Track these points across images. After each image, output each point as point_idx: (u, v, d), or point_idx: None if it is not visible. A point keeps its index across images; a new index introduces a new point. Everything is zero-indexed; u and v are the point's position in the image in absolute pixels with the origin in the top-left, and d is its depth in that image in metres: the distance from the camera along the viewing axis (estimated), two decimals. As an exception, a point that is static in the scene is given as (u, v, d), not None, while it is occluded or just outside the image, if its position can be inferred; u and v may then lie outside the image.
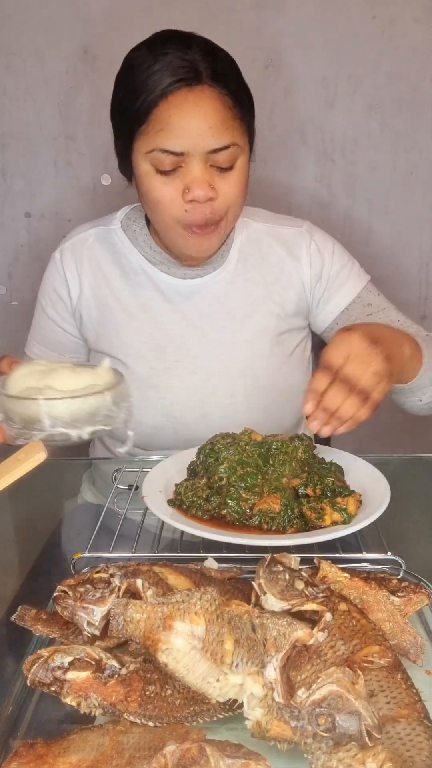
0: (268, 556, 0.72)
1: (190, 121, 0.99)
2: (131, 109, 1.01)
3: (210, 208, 1.03)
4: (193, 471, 0.96)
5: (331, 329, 1.26)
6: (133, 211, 1.25)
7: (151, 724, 0.60)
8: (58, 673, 0.60)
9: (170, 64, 0.98)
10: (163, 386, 1.19)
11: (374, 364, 0.88)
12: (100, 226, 1.25)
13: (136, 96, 1.00)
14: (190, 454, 0.98)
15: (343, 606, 0.67)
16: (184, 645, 0.61)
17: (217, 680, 0.60)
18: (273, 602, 0.67)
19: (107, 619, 0.66)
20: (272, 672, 0.59)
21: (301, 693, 0.57)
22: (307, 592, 0.68)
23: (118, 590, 0.69)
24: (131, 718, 0.60)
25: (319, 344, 1.52)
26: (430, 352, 1.09)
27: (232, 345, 1.20)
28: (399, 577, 0.78)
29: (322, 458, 0.96)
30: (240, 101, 1.03)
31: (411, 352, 1.03)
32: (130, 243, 1.22)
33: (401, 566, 0.80)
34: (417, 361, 1.06)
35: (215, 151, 1.00)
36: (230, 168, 1.03)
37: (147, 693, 0.61)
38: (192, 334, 1.19)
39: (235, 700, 0.61)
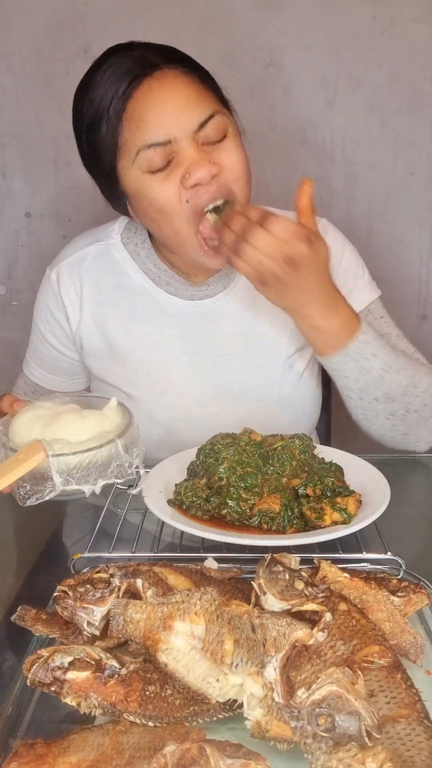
0: (268, 556, 0.71)
1: (164, 104, 0.92)
2: (101, 132, 0.96)
3: (216, 186, 0.93)
4: (193, 471, 0.96)
5: None
6: (132, 223, 1.14)
7: (151, 724, 0.60)
8: (58, 673, 0.60)
9: (119, 67, 0.94)
10: (168, 421, 1.12)
11: (266, 262, 0.86)
12: (99, 242, 1.14)
13: (100, 116, 0.95)
14: (190, 454, 0.98)
15: (343, 606, 0.67)
16: (184, 645, 0.61)
17: (217, 680, 0.60)
18: (273, 602, 0.67)
19: (107, 619, 0.66)
20: (272, 672, 0.59)
21: (301, 693, 0.57)
22: (307, 592, 0.68)
23: (118, 590, 0.69)
24: (131, 718, 0.60)
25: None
26: (379, 357, 0.99)
27: (243, 371, 1.13)
28: (399, 577, 0.78)
29: (322, 458, 0.96)
30: (204, 75, 0.98)
31: (339, 327, 0.96)
32: (131, 260, 1.12)
33: (401, 566, 0.80)
34: (343, 337, 0.96)
35: (202, 125, 0.93)
36: (223, 139, 0.95)
37: (147, 693, 0.61)
38: (200, 362, 1.12)
39: (235, 700, 0.61)
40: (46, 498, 0.72)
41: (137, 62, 0.94)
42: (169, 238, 1.00)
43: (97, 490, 0.74)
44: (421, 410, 1.04)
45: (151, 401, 1.12)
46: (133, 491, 0.81)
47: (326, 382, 1.51)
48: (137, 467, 0.76)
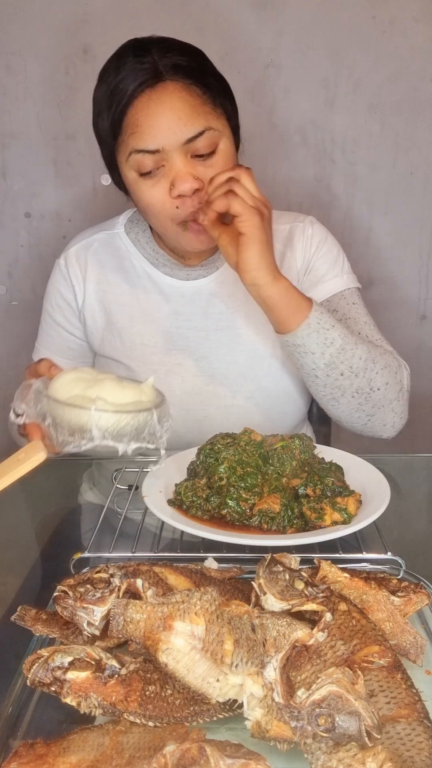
0: (268, 556, 0.72)
1: (158, 117, 1.00)
2: (105, 125, 1.06)
3: (198, 199, 1.02)
4: (193, 471, 0.96)
5: None
6: (135, 214, 1.26)
7: (151, 724, 0.60)
8: (58, 673, 0.60)
9: (131, 72, 1.01)
10: (164, 389, 1.17)
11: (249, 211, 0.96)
12: (104, 231, 1.26)
13: (107, 110, 1.04)
14: (190, 454, 0.98)
15: (343, 606, 0.67)
16: (184, 645, 0.61)
17: (217, 680, 0.60)
18: (273, 602, 0.67)
19: (107, 619, 0.66)
20: (272, 672, 0.59)
21: (301, 693, 0.57)
22: (307, 592, 0.68)
23: (118, 590, 0.69)
24: (131, 718, 0.60)
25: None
26: (337, 327, 1.03)
27: (235, 346, 1.20)
28: (399, 577, 0.78)
29: (322, 458, 0.96)
30: (209, 86, 1.03)
31: (298, 298, 1.02)
32: (133, 246, 1.23)
33: (401, 566, 0.80)
34: (302, 307, 1.01)
35: (191, 140, 1.00)
36: (212, 153, 1.03)
37: (147, 693, 0.61)
38: (195, 336, 1.20)
39: (235, 700, 0.61)
40: (83, 449, 0.75)
41: (145, 72, 1.00)
42: (156, 228, 1.13)
43: (129, 451, 0.77)
44: (384, 389, 1.08)
45: (148, 372, 1.17)
46: (154, 468, 0.86)
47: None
48: (166, 441, 0.80)
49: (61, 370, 0.87)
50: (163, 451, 0.80)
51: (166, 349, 1.20)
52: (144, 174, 1.03)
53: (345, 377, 1.05)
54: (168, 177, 1.02)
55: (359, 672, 0.58)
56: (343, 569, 0.72)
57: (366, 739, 0.54)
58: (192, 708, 0.61)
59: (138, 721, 0.59)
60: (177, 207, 1.03)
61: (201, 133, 1.01)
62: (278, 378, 1.21)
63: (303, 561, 0.76)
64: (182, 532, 0.85)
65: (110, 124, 1.04)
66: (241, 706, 0.60)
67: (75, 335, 1.27)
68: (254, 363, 1.20)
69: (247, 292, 1.03)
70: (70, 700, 0.60)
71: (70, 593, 0.68)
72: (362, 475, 0.94)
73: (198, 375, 1.19)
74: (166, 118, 0.99)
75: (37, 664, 0.61)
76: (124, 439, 0.76)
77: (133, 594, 0.69)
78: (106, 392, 0.79)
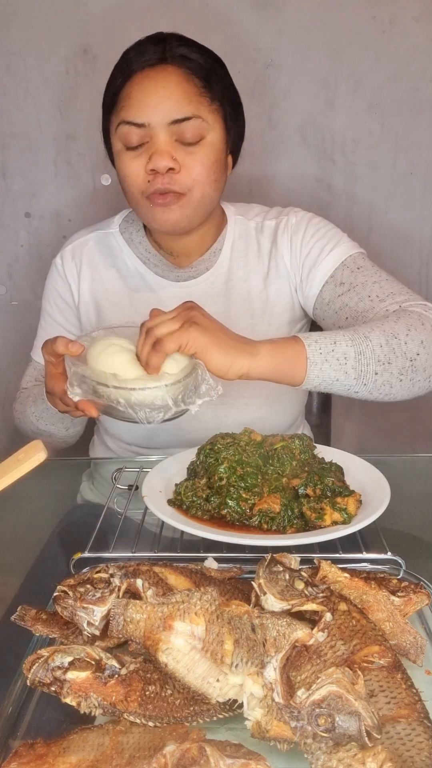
0: (268, 556, 0.72)
1: (151, 93, 1.04)
2: (107, 96, 1.10)
3: (170, 179, 1.05)
4: (193, 471, 0.96)
5: (317, 316, 1.20)
6: (131, 215, 1.27)
7: (151, 724, 0.60)
8: (58, 673, 0.60)
9: (140, 52, 1.07)
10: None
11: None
12: (99, 231, 1.27)
13: (112, 82, 1.10)
14: (190, 454, 0.98)
15: (343, 606, 0.67)
16: (184, 645, 0.61)
17: (217, 680, 0.60)
18: (273, 602, 0.67)
19: (107, 619, 0.66)
20: (272, 672, 0.59)
21: (301, 693, 0.57)
22: (307, 592, 0.68)
23: (118, 590, 0.69)
24: (131, 718, 0.60)
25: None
26: (339, 341, 0.96)
27: None
28: (399, 577, 0.78)
29: (322, 458, 0.96)
30: (210, 83, 1.06)
31: (286, 346, 0.95)
32: (126, 246, 1.24)
33: (401, 566, 0.80)
34: (292, 361, 0.95)
35: (177, 122, 1.03)
36: (197, 143, 1.06)
37: (147, 693, 0.61)
38: None
39: (235, 700, 0.61)
40: (165, 419, 0.87)
41: (152, 53, 1.06)
42: (129, 201, 1.14)
43: (196, 408, 0.88)
44: (422, 348, 1.00)
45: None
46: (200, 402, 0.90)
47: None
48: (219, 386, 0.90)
49: (79, 345, 0.92)
50: (220, 389, 0.90)
51: None
52: (129, 148, 1.07)
53: (381, 372, 0.98)
54: (148, 152, 1.05)
55: (359, 672, 0.58)
56: (343, 569, 0.72)
57: (366, 739, 0.54)
58: (192, 708, 0.61)
59: (138, 721, 0.59)
60: (149, 181, 1.06)
61: (188, 119, 1.04)
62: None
63: (303, 561, 0.76)
64: (182, 532, 0.85)
65: (110, 96, 1.09)
66: (241, 706, 0.60)
67: (73, 333, 1.28)
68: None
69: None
70: (70, 700, 0.60)
71: (70, 593, 0.68)
72: (362, 475, 0.94)
73: None
74: (157, 96, 1.03)
75: (37, 664, 0.61)
76: (190, 399, 0.88)
77: (133, 594, 0.69)
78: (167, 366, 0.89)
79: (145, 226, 1.24)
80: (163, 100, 1.03)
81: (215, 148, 1.08)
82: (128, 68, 1.06)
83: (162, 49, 1.05)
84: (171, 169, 1.04)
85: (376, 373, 0.97)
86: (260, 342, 0.94)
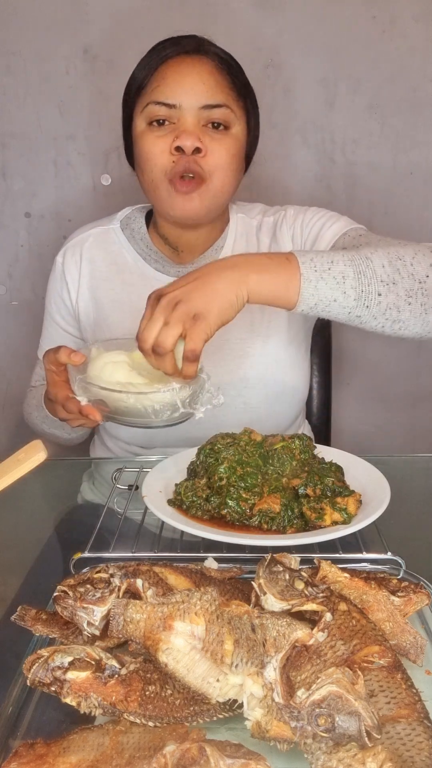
0: (268, 556, 0.71)
1: (185, 77, 1.06)
2: (135, 81, 1.11)
3: (195, 161, 1.05)
4: (193, 471, 0.96)
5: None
6: (134, 212, 1.27)
7: (151, 724, 0.60)
8: (58, 673, 0.60)
9: (173, 42, 1.09)
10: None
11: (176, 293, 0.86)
12: (100, 226, 1.27)
13: (141, 67, 1.10)
14: (190, 454, 0.98)
15: (343, 606, 0.67)
16: (184, 645, 0.61)
17: (217, 680, 0.60)
18: (273, 602, 0.67)
19: (107, 619, 0.66)
20: (272, 672, 0.59)
21: (301, 693, 0.57)
22: (307, 592, 0.68)
23: (118, 590, 0.69)
24: (131, 718, 0.60)
25: (320, 346, 1.51)
26: (336, 260, 0.90)
27: (225, 344, 1.19)
28: (399, 577, 0.78)
29: (322, 458, 0.96)
30: (237, 80, 1.10)
31: (279, 268, 0.88)
32: (127, 241, 1.24)
33: (401, 566, 0.80)
34: (288, 272, 0.88)
35: (208, 107, 1.06)
36: (224, 130, 1.08)
37: (147, 693, 0.61)
38: None
39: (235, 700, 0.61)
40: (171, 423, 0.90)
41: (187, 43, 1.09)
42: (148, 187, 1.12)
43: (201, 414, 0.90)
44: (431, 272, 0.93)
45: None
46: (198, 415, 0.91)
47: (327, 386, 1.51)
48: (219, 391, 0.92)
49: (81, 355, 0.93)
50: (221, 398, 0.91)
51: None
52: (153, 124, 1.07)
53: (385, 293, 0.89)
54: (174, 133, 1.06)
55: (359, 672, 0.58)
56: (343, 569, 0.72)
57: (366, 739, 0.54)
58: (192, 708, 0.61)
59: (138, 721, 0.59)
60: (173, 162, 1.06)
61: (219, 106, 1.06)
62: (270, 379, 1.20)
63: (303, 561, 0.76)
64: (182, 532, 0.85)
65: (139, 80, 1.10)
66: (241, 706, 0.60)
67: (73, 334, 1.28)
68: (244, 363, 1.19)
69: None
70: (70, 700, 0.60)
71: (70, 593, 0.68)
72: (362, 475, 0.94)
73: None
74: (191, 80, 1.06)
75: (37, 664, 0.61)
76: (196, 405, 0.90)
77: (133, 594, 0.69)
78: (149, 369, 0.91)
79: (147, 222, 1.24)
80: (196, 85, 1.05)
81: (239, 142, 1.10)
82: (162, 53, 1.08)
83: (196, 42, 1.09)
84: (197, 150, 1.05)
85: (380, 294, 0.89)
86: (248, 267, 0.87)
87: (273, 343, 1.21)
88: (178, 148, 1.05)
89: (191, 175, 1.07)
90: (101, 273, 1.24)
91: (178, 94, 1.05)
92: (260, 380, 1.20)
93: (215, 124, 1.07)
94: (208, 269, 0.87)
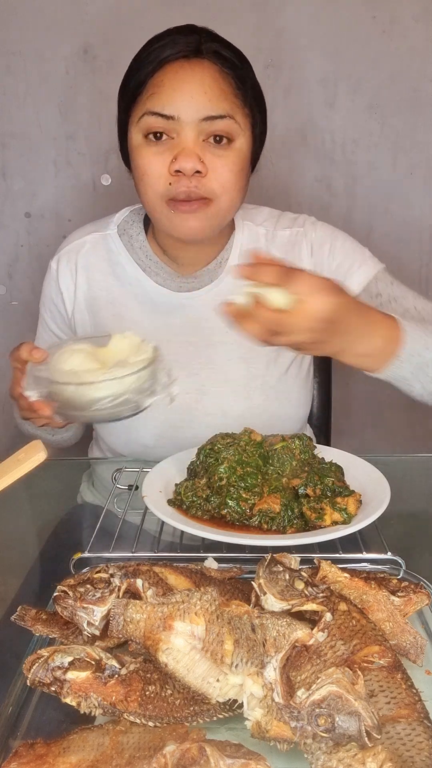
0: (268, 556, 0.71)
1: (184, 84, 0.96)
2: (130, 83, 1.01)
3: (196, 183, 0.97)
4: (193, 471, 0.96)
5: None
6: (131, 215, 1.20)
7: (151, 724, 0.60)
8: (58, 673, 0.60)
9: (171, 42, 0.99)
10: (152, 405, 1.14)
11: (303, 338, 0.80)
12: (97, 232, 1.19)
13: (136, 69, 1.01)
14: (190, 454, 0.98)
15: (343, 606, 0.67)
16: (184, 645, 0.61)
17: (217, 680, 0.60)
18: (273, 602, 0.67)
19: (107, 619, 0.66)
20: (272, 672, 0.59)
21: (301, 693, 0.57)
22: (307, 592, 0.68)
23: (118, 590, 0.69)
24: (131, 718, 0.60)
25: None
26: (418, 345, 0.92)
27: (227, 362, 1.14)
28: (399, 577, 0.78)
29: (322, 458, 0.96)
30: (243, 84, 1.00)
31: (384, 344, 0.89)
32: (125, 250, 1.16)
33: (401, 566, 0.80)
34: (389, 348, 0.90)
35: (209, 119, 0.96)
36: (226, 146, 0.99)
37: (147, 693, 0.61)
38: (185, 351, 1.14)
39: (235, 700, 0.61)
40: (118, 416, 0.86)
41: (185, 45, 0.98)
42: (145, 204, 1.05)
43: (147, 404, 0.86)
44: None
45: None
46: (174, 395, 0.89)
47: (326, 386, 1.51)
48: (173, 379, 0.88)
49: (42, 351, 0.89)
50: (175, 390, 0.87)
51: None
52: (150, 138, 0.98)
53: None
54: (173, 150, 0.97)
55: (359, 672, 0.58)
56: (343, 569, 0.72)
57: (366, 739, 0.54)
58: (192, 708, 0.61)
59: (138, 721, 0.59)
60: (170, 183, 0.97)
61: (222, 117, 0.97)
62: (272, 396, 1.16)
63: (303, 561, 0.76)
64: (182, 532, 0.85)
65: (134, 84, 1.00)
66: (241, 706, 0.60)
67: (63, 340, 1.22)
68: (248, 381, 1.14)
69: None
70: (70, 700, 0.60)
71: (70, 593, 0.68)
72: (362, 475, 0.94)
73: (188, 392, 1.13)
74: (191, 88, 0.96)
75: (37, 664, 0.61)
76: (143, 395, 0.85)
77: (133, 594, 0.69)
78: (109, 355, 0.88)
79: (146, 229, 1.17)
80: (197, 94, 0.96)
81: (243, 155, 1.01)
82: (159, 56, 0.98)
83: (196, 41, 0.98)
84: (198, 172, 0.96)
85: (412, 391, 0.96)
86: (357, 341, 0.85)
87: (277, 362, 1.16)
88: (178, 170, 0.97)
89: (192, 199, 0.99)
90: (98, 284, 1.17)
91: (177, 104, 0.96)
92: (266, 399, 1.15)
93: (217, 138, 0.98)
94: (322, 327, 0.80)
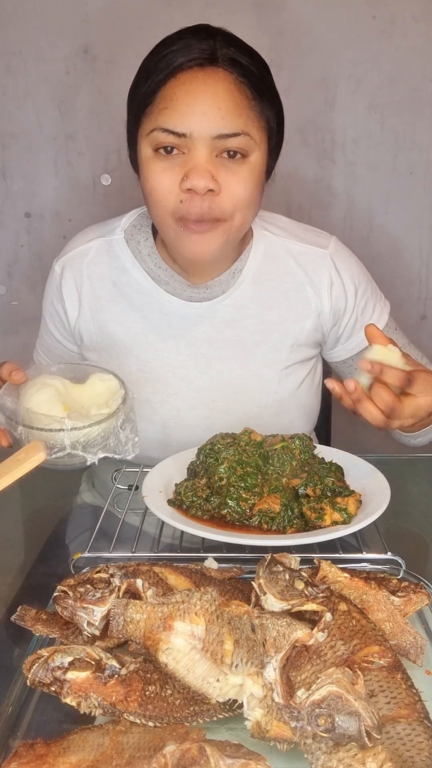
0: (268, 556, 0.72)
1: (197, 99, 0.90)
2: (140, 90, 0.96)
3: (209, 203, 0.92)
4: (193, 471, 0.96)
5: (344, 364, 1.19)
6: (139, 218, 1.14)
7: (151, 724, 0.60)
8: (58, 673, 0.60)
9: (185, 47, 0.93)
10: (157, 420, 1.11)
11: (407, 422, 0.86)
12: (103, 237, 1.14)
13: (147, 76, 0.95)
14: (190, 454, 0.98)
15: (343, 606, 0.67)
16: (184, 645, 0.61)
17: (217, 680, 0.60)
18: (273, 602, 0.67)
19: (107, 619, 0.66)
20: (272, 672, 0.59)
21: (301, 693, 0.57)
22: (307, 592, 0.68)
23: (118, 590, 0.69)
24: (131, 718, 0.60)
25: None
26: None
27: (238, 377, 1.11)
28: (399, 577, 0.78)
29: (322, 458, 0.96)
30: (261, 94, 0.95)
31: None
32: (133, 258, 1.11)
33: (401, 566, 0.80)
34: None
35: (223, 137, 0.91)
36: (241, 159, 0.93)
37: (147, 693, 0.61)
38: (195, 363, 1.11)
39: (235, 700, 0.61)
40: (64, 462, 0.83)
41: (200, 51, 0.92)
42: (154, 218, 1.01)
43: (93, 459, 0.83)
44: None
45: (143, 400, 1.10)
46: (129, 457, 0.87)
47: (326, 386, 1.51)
48: (131, 443, 0.86)
49: (23, 374, 0.88)
50: (136, 438, 0.86)
51: (164, 376, 1.11)
52: (160, 152, 0.93)
53: None
54: (184, 167, 0.92)
55: (359, 672, 0.58)
56: (343, 569, 0.72)
57: (366, 739, 0.54)
58: (192, 708, 0.61)
59: (138, 721, 0.59)
60: (181, 201, 0.93)
61: (236, 135, 0.91)
62: (283, 410, 1.14)
63: (303, 561, 0.76)
64: (182, 532, 0.85)
65: (145, 92, 0.94)
66: (241, 706, 0.60)
67: (66, 347, 1.20)
68: (259, 396, 1.12)
69: None
70: (70, 700, 0.60)
71: (70, 593, 0.68)
72: (362, 475, 0.94)
73: (197, 406, 1.11)
74: (204, 103, 0.90)
75: (37, 664, 0.61)
76: (93, 449, 0.83)
77: (133, 594, 0.69)
78: (80, 396, 0.88)
79: (154, 234, 1.12)
80: (210, 110, 0.90)
81: (258, 169, 0.96)
82: (171, 63, 0.92)
83: (211, 47, 0.92)
84: (210, 190, 0.91)
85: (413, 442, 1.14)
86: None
87: (290, 378, 1.15)
88: (189, 188, 0.92)
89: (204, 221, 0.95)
90: (105, 293, 1.12)
91: (189, 121, 0.90)
92: (276, 414, 1.14)
93: (231, 153, 0.93)
94: (421, 415, 0.87)
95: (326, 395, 1.51)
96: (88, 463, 0.82)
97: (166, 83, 0.92)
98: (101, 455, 0.83)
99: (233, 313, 1.10)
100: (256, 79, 0.95)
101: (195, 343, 1.11)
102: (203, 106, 0.90)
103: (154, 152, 0.94)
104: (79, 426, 0.81)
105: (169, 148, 0.93)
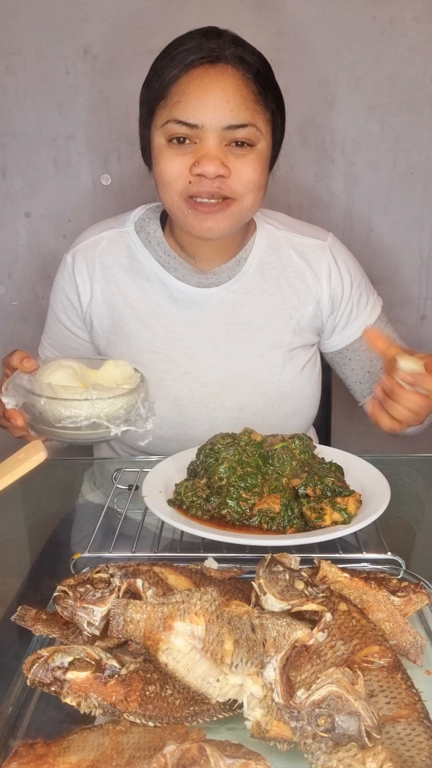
0: (268, 556, 0.72)
1: (208, 93, 0.99)
2: (154, 87, 1.04)
3: (220, 183, 1.01)
4: (193, 471, 0.96)
5: (339, 354, 1.26)
6: (148, 212, 1.22)
7: (151, 724, 0.60)
8: (58, 673, 0.60)
9: (196, 46, 1.01)
10: (170, 398, 1.17)
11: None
12: (114, 229, 1.21)
13: (160, 74, 1.03)
14: (190, 454, 0.98)
15: (343, 606, 0.68)
16: (184, 645, 0.61)
17: (217, 680, 0.60)
18: (273, 602, 0.67)
19: (107, 619, 0.66)
20: (272, 672, 0.59)
21: (301, 693, 0.57)
22: (307, 592, 0.68)
23: (118, 590, 0.69)
24: (131, 718, 0.60)
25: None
26: None
27: (245, 357, 1.18)
28: (399, 577, 0.78)
29: (322, 458, 0.96)
30: (266, 90, 1.03)
31: None
32: (143, 246, 1.18)
33: (401, 566, 0.80)
34: None
35: (232, 127, 0.99)
36: (248, 148, 1.02)
37: (147, 693, 0.61)
38: (204, 345, 1.18)
39: (235, 700, 0.61)
40: (87, 438, 0.85)
41: (209, 50, 1.01)
42: (163, 199, 1.08)
43: (117, 432, 0.85)
44: None
45: (155, 380, 1.14)
46: (142, 443, 0.89)
47: (326, 386, 1.51)
48: (150, 417, 0.87)
49: (34, 361, 0.91)
50: (149, 426, 0.87)
51: (174, 356, 1.17)
52: (173, 142, 1.02)
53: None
54: (195, 154, 1.01)
55: (359, 672, 0.58)
56: (343, 569, 0.72)
57: (366, 739, 0.54)
58: (192, 708, 0.61)
59: (138, 721, 0.59)
60: (190, 182, 1.01)
61: (244, 126, 1.00)
62: (288, 391, 1.20)
63: (303, 561, 0.76)
64: (182, 532, 0.85)
65: (158, 87, 1.03)
66: (241, 706, 0.60)
67: (78, 335, 1.25)
68: (265, 377, 1.18)
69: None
70: (70, 700, 0.60)
71: (70, 593, 0.68)
72: (362, 475, 0.94)
73: (206, 385, 1.17)
74: (215, 97, 0.99)
75: (37, 664, 0.61)
76: (117, 421, 0.84)
77: (133, 594, 0.69)
78: (96, 379, 0.89)
79: (163, 225, 1.19)
80: (220, 103, 0.99)
81: (263, 157, 1.05)
82: (184, 60, 1.01)
83: (219, 46, 1.01)
84: (220, 176, 1.00)
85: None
86: None
87: (293, 360, 1.21)
88: (200, 174, 1.00)
89: (213, 200, 1.03)
90: (116, 279, 1.19)
91: (201, 113, 0.99)
92: (282, 394, 1.20)
93: (239, 143, 1.02)
94: None
95: (326, 394, 1.51)
96: (111, 435, 0.84)
97: (178, 79, 1.01)
98: (124, 428, 0.85)
99: (239, 299, 1.18)
100: (261, 76, 1.04)
101: (203, 326, 1.17)
102: (214, 100, 0.99)
103: (167, 142, 1.03)
104: (104, 396, 0.83)
105: (181, 138, 1.01)
